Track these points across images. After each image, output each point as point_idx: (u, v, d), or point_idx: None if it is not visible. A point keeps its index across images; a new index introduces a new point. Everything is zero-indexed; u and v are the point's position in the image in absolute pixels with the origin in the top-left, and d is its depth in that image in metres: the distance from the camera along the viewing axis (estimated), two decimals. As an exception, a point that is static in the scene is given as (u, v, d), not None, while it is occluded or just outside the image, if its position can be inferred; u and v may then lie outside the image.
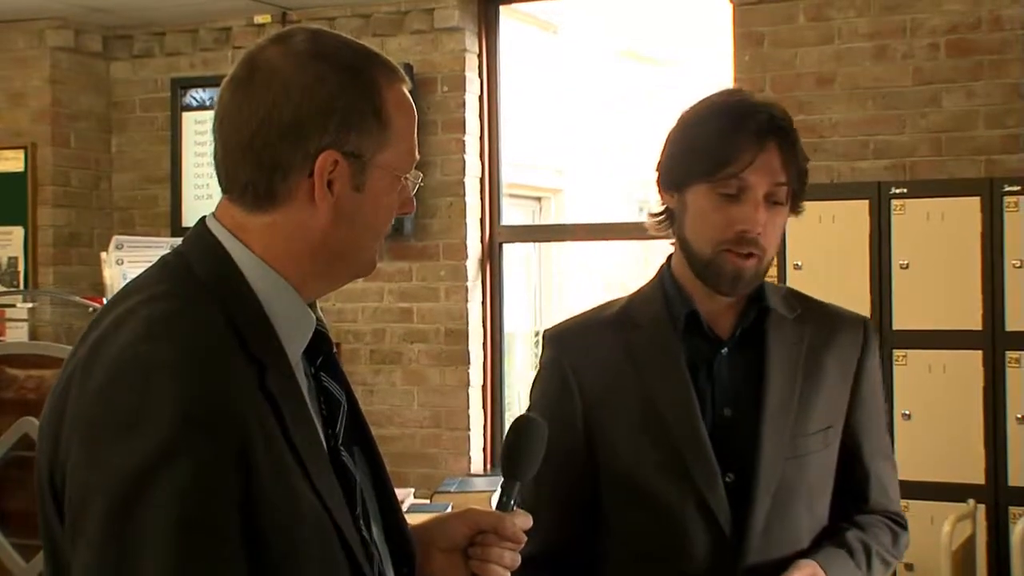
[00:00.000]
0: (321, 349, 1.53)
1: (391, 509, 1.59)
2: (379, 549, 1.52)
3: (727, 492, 1.97)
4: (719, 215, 1.96)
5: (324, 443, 1.47)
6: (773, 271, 4.68)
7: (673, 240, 2.08)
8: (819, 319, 2.10)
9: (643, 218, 2.19)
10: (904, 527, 2.15)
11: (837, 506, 2.10)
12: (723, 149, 1.94)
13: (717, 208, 1.96)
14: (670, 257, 2.11)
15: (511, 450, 1.71)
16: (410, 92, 1.54)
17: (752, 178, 1.94)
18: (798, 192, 2.01)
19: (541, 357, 2.15)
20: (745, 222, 1.94)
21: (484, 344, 5.58)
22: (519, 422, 1.74)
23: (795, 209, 2.03)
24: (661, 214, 2.08)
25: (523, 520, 1.64)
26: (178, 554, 1.27)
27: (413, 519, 1.69)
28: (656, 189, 2.08)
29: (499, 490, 1.69)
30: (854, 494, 2.11)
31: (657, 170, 2.07)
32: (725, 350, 2.04)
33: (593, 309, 2.18)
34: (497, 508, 1.66)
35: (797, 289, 2.19)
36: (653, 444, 2.00)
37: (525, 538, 1.64)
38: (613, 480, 2.04)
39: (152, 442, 1.27)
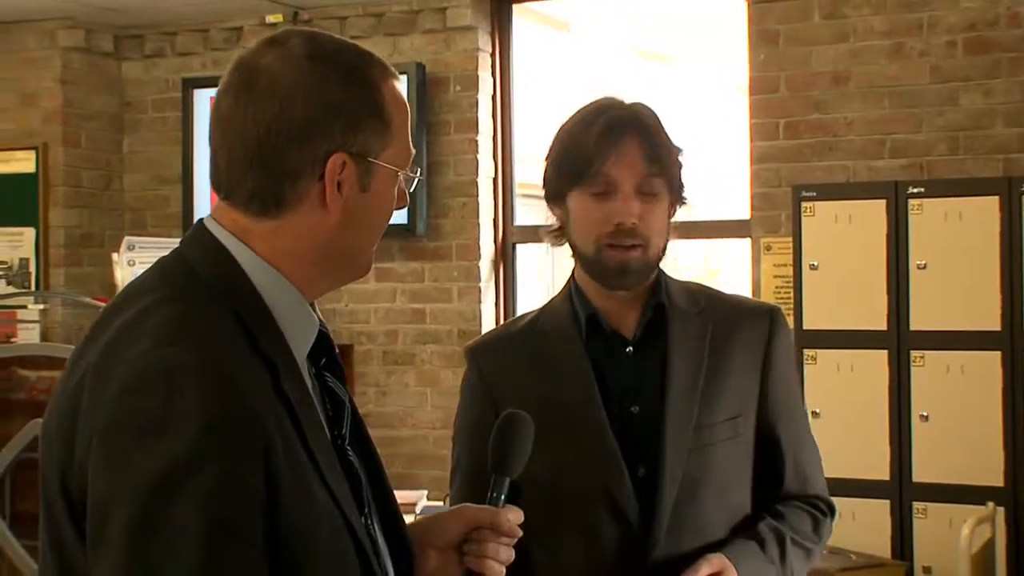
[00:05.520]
0: (323, 350, 1.52)
1: (389, 508, 1.58)
2: (381, 547, 1.52)
3: (637, 486, 2.03)
4: (595, 214, 2.04)
5: (331, 443, 1.47)
6: (788, 272, 4.65)
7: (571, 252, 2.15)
8: (723, 312, 2.15)
9: None
10: (828, 511, 2.19)
11: (758, 493, 2.14)
12: (583, 151, 2.03)
13: (592, 208, 2.04)
14: (575, 269, 2.17)
15: (500, 446, 1.73)
16: (400, 88, 1.53)
17: (614, 171, 2.02)
18: (674, 182, 2.08)
19: (465, 371, 2.24)
20: (619, 214, 2.02)
21: (497, 345, 5.55)
22: (507, 418, 1.76)
23: (678, 200, 2.10)
24: (555, 229, 2.16)
25: (516, 515, 1.66)
26: (205, 559, 1.25)
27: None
28: (546, 206, 2.17)
29: (490, 486, 1.70)
30: (773, 480, 2.15)
31: (543, 186, 2.15)
32: (629, 349, 2.10)
33: (508, 322, 2.32)
34: (487, 504, 1.67)
35: (705, 284, 2.26)
36: (561, 445, 2.05)
37: (520, 532, 1.65)
38: (527, 482, 2.03)
39: (179, 447, 1.26)
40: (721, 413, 2.08)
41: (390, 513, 1.58)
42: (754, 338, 2.14)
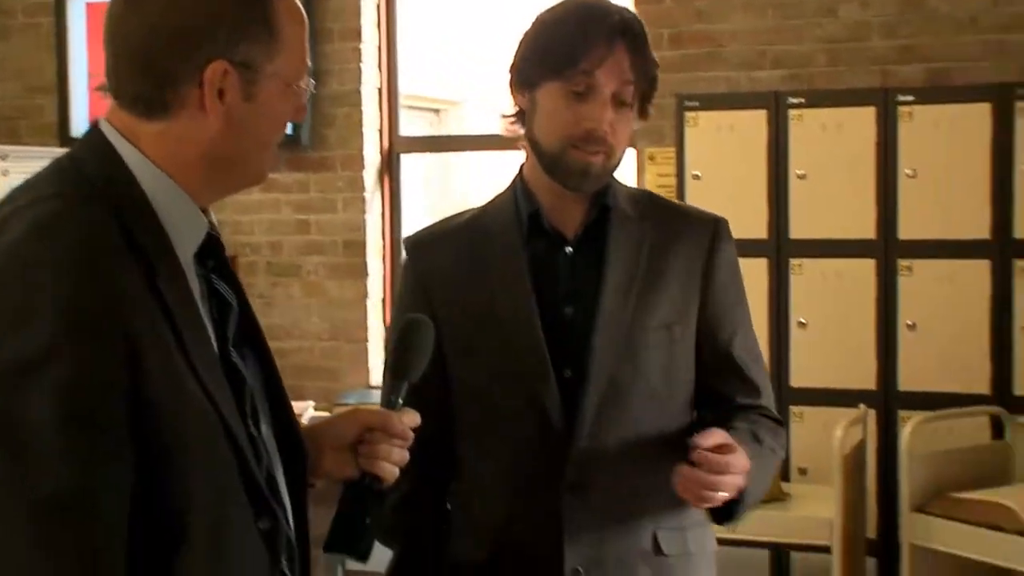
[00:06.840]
0: (213, 253, 1.54)
1: (282, 409, 1.62)
2: (268, 447, 1.55)
3: (564, 387, 2.04)
4: (568, 112, 2.01)
5: (214, 344, 1.49)
6: (672, 182, 4.70)
7: (523, 143, 2.12)
8: (665, 219, 2.15)
9: None
10: (781, 423, 2.20)
11: (710, 407, 2.14)
12: (574, 47, 2.00)
13: (566, 106, 2.01)
14: (523, 165, 2.16)
15: (399, 349, 1.77)
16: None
17: (601, 76, 1.99)
18: (647, 96, 2.08)
19: (403, 265, 2.22)
20: (592, 120, 2.00)
21: (383, 256, 5.54)
22: (406, 322, 1.80)
23: (643, 113, 2.09)
24: (513, 115, 2.12)
25: (410, 418, 1.69)
26: (61, 447, 1.28)
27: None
28: (509, 90, 2.13)
29: (385, 389, 1.75)
30: (725, 394, 2.16)
31: (511, 71, 2.11)
32: (569, 249, 2.10)
33: (450, 216, 2.25)
34: (383, 407, 1.72)
35: (657, 194, 2.25)
36: (492, 344, 2.08)
37: (412, 435, 1.69)
38: (459, 379, 2.12)
39: (36, 339, 1.28)
40: (655, 319, 2.08)
41: (283, 414, 1.61)
42: (695, 247, 2.13)
